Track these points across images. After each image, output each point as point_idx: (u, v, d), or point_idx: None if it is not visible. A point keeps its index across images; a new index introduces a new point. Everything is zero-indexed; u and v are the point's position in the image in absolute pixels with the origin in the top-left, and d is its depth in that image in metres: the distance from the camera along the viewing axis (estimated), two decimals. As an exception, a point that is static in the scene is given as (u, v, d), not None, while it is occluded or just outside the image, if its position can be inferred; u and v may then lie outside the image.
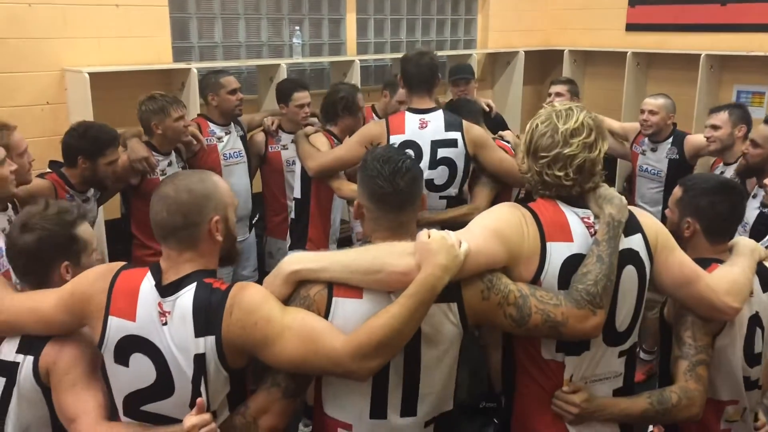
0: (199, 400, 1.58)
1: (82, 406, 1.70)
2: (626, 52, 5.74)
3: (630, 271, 1.78)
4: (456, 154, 3.04)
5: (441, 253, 1.57)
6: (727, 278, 1.91)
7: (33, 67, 3.77)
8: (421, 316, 1.58)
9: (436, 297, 1.58)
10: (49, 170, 3.04)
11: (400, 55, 5.33)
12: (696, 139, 3.96)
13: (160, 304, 1.63)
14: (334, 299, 1.64)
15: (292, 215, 3.53)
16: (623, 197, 1.79)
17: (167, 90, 4.17)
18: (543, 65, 6.60)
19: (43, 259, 1.88)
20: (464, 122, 3.10)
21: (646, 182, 4.13)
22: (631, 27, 6.07)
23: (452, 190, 3.09)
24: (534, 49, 6.31)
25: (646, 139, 4.09)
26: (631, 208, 1.86)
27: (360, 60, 4.98)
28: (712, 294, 1.85)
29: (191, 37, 4.56)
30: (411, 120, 3.05)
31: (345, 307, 1.63)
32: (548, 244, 1.72)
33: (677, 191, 2.16)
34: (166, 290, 1.64)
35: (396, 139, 3.01)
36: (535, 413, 1.83)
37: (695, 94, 5.29)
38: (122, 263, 1.76)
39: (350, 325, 1.60)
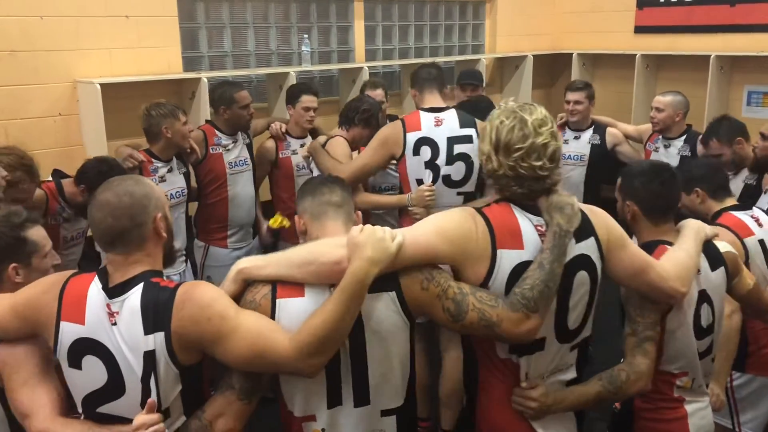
0: (150, 400, 1.61)
1: (36, 401, 1.71)
2: (635, 55, 5.73)
3: (582, 275, 1.82)
4: (471, 149, 3.11)
5: (368, 246, 1.63)
6: (675, 263, 1.98)
7: (45, 78, 3.80)
8: (355, 308, 1.64)
9: (366, 289, 1.64)
10: (49, 179, 3.05)
11: (408, 62, 5.43)
12: None
13: (108, 306, 1.66)
14: (277, 301, 1.70)
15: None
16: (575, 203, 1.79)
17: (178, 100, 4.20)
18: (552, 69, 6.59)
19: None
20: (477, 120, 3.17)
21: None
22: (639, 29, 6.06)
23: (469, 186, 3.16)
24: (542, 53, 6.31)
25: (661, 137, 4.08)
26: (587, 207, 1.88)
27: (369, 67, 4.99)
28: (662, 282, 1.92)
29: (201, 46, 4.59)
30: (426, 118, 3.16)
31: (288, 307, 1.70)
32: (498, 251, 1.75)
33: (618, 180, 2.27)
34: (113, 291, 1.67)
35: (412, 137, 3.11)
36: (497, 408, 1.87)
37: (706, 96, 5.27)
38: (72, 271, 1.79)
39: (295, 323, 1.66)
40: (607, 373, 1.94)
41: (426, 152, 3.10)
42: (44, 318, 1.70)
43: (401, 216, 3.25)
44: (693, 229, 2.14)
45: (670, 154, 4.03)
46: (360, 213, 1.98)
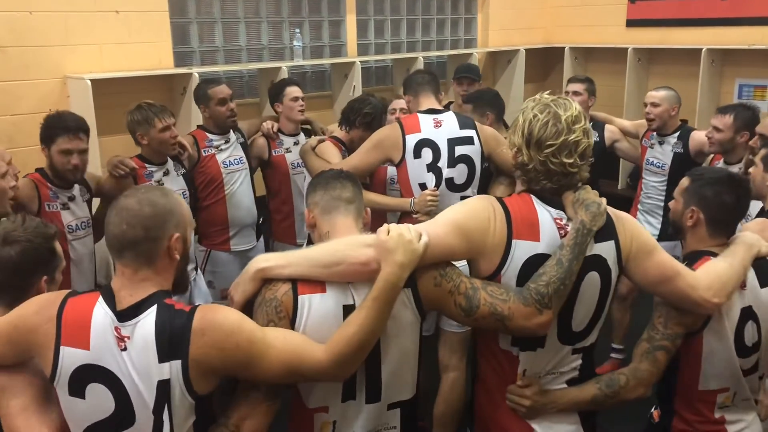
0: None
1: (34, 429, 1.61)
2: (627, 48, 5.73)
3: (593, 276, 1.79)
4: (473, 151, 3.04)
5: (398, 250, 1.63)
6: (711, 273, 1.91)
7: (35, 74, 3.78)
8: (388, 313, 1.65)
9: (399, 293, 1.65)
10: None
11: (400, 56, 5.43)
12: (701, 136, 3.94)
13: (117, 329, 1.55)
14: (299, 297, 1.69)
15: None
16: (603, 203, 1.78)
17: (169, 95, 4.19)
18: (544, 63, 6.60)
19: (25, 273, 1.82)
20: (476, 122, 3.13)
21: (651, 175, 4.12)
22: (631, 23, 6.06)
23: (471, 190, 3.06)
24: (535, 47, 6.31)
25: (655, 134, 4.09)
26: (613, 211, 1.86)
27: (361, 61, 4.98)
28: (691, 290, 1.85)
29: (192, 41, 4.57)
30: (425, 120, 3.05)
31: (311, 303, 1.69)
32: (514, 241, 1.74)
33: (684, 181, 2.16)
34: (123, 315, 1.57)
35: (412, 138, 2.99)
36: (495, 402, 1.87)
37: (697, 89, 5.28)
38: (68, 290, 1.68)
39: (318, 319, 1.67)
40: (607, 376, 1.90)
41: (427, 154, 2.98)
42: (40, 341, 1.58)
43: (401, 218, 3.11)
44: (745, 243, 2.04)
45: (665, 151, 4.03)
46: (369, 210, 1.96)
